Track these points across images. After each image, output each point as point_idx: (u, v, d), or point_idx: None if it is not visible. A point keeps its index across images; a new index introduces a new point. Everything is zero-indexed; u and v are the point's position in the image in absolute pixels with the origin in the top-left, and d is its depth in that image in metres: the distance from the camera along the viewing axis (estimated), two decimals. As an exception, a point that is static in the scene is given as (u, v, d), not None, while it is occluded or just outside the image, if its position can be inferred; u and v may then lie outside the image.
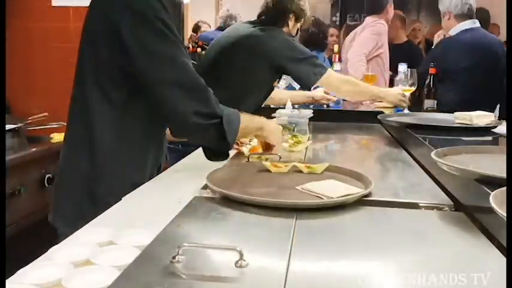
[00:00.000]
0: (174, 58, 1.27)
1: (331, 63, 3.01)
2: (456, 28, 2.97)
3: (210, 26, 4.76)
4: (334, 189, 1.09)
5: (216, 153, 1.41)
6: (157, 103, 1.31)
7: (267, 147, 1.51)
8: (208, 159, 1.42)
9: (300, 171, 1.28)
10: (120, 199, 1.20)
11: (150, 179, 1.41)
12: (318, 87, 2.64)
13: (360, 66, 3.55)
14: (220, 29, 3.93)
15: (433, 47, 3.26)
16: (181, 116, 1.29)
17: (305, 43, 3.67)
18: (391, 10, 3.66)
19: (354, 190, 1.09)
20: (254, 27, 2.33)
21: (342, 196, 1.05)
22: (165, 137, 1.52)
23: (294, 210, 1.01)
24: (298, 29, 2.43)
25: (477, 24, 2.96)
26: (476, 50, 2.87)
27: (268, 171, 1.29)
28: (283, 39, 2.30)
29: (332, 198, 1.04)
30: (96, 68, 1.32)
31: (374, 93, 2.57)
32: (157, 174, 1.47)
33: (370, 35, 3.59)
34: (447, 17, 2.97)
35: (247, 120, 1.42)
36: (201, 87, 1.31)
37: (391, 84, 3.57)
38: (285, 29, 2.36)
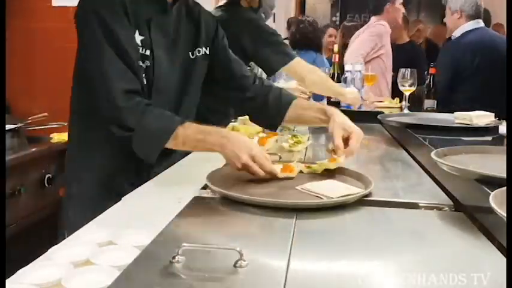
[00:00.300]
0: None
1: (331, 64, 3.00)
2: (461, 29, 2.96)
3: None
4: (334, 189, 1.09)
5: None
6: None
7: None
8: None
9: (300, 171, 1.28)
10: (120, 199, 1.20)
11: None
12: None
13: None
14: None
15: (440, 52, 3.24)
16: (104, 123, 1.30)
17: (298, 44, 3.66)
18: (393, 9, 3.60)
19: (354, 190, 1.09)
20: (217, 9, 2.23)
21: (342, 196, 1.05)
22: None
23: (294, 210, 1.01)
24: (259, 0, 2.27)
25: (481, 24, 2.96)
26: (483, 49, 2.87)
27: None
28: (248, 18, 2.16)
29: (332, 198, 1.04)
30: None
31: (335, 91, 2.47)
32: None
33: (369, 36, 3.56)
34: (457, 16, 2.95)
35: (188, 135, 1.26)
36: (113, 99, 1.25)
37: (395, 85, 3.56)
38: (244, 3, 2.23)
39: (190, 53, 1.48)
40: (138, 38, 1.33)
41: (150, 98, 1.34)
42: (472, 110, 2.04)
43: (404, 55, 3.84)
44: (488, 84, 2.80)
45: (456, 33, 3.00)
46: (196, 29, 1.50)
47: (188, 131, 1.25)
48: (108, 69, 1.26)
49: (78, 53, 1.37)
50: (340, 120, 1.36)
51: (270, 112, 1.53)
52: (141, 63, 1.33)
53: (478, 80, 2.81)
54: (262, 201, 1.03)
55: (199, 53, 1.50)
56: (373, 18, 3.64)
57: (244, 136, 1.31)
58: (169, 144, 1.25)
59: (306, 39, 3.65)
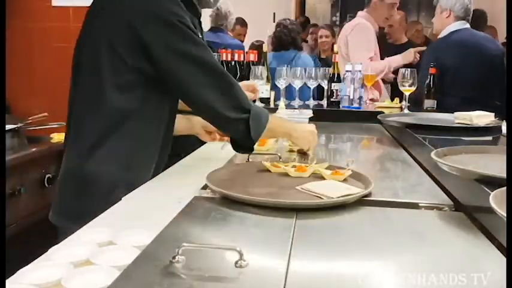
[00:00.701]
0: (202, 58, 1.31)
1: (330, 64, 3.00)
2: (446, 30, 2.97)
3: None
4: (334, 189, 1.09)
5: (241, 146, 1.43)
6: (189, 102, 1.37)
7: (301, 153, 1.56)
8: (234, 150, 1.45)
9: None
10: (120, 198, 1.20)
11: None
12: None
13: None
14: (213, 29, 3.90)
15: (424, 51, 3.25)
16: (213, 112, 1.34)
17: (276, 46, 3.80)
18: (380, 6, 3.53)
19: (354, 190, 1.09)
20: None
21: (342, 196, 1.05)
22: (171, 140, 1.51)
23: (294, 210, 1.01)
24: None
25: (467, 25, 2.97)
26: (467, 49, 2.87)
27: (268, 171, 1.29)
28: None
29: (332, 198, 1.04)
30: (116, 73, 1.31)
31: None
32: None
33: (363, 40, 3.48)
34: (446, 15, 2.96)
35: (276, 122, 1.46)
36: (229, 84, 1.35)
37: (395, 86, 3.56)
38: None
39: None
40: None
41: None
42: (458, 109, 2.05)
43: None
44: (474, 85, 2.80)
45: (442, 33, 3.00)
46: None
47: (273, 119, 1.44)
48: (213, 59, 1.35)
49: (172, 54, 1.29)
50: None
51: None
52: None
53: (464, 81, 2.82)
54: (262, 201, 1.03)
55: None
56: (359, 13, 3.60)
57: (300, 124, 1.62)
58: (266, 127, 1.38)
59: (281, 41, 3.83)
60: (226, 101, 1.33)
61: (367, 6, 3.52)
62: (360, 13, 3.57)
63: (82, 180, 1.35)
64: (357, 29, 3.42)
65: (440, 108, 2.66)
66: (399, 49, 3.71)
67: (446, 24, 2.98)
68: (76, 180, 1.36)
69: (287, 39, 3.75)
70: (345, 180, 1.20)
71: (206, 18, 4.36)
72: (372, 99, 3.11)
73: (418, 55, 3.31)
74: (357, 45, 3.35)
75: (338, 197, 1.05)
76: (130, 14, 1.27)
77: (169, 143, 1.51)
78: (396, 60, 3.34)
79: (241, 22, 5.01)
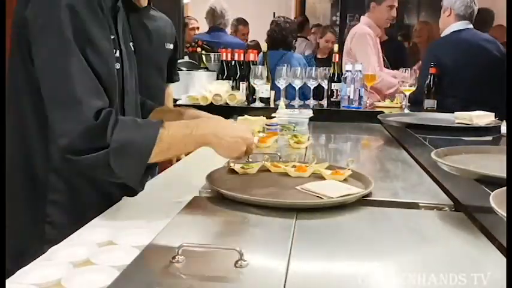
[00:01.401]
0: (63, 69, 1.02)
1: (331, 64, 3.00)
2: (448, 29, 2.97)
3: (197, 21, 4.68)
4: (334, 189, 1.09)
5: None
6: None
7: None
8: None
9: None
10: None
11: None
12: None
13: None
14: (213, 30, 3.90)
15: (427, 50, 3.25)
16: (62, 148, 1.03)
17: (268, 45, 3.80)
18: (379, 9, 3.52)
19: (354, 190, 1.09)
20: None
21: (342, 196, 1.05)
22: None
23: (294, 210, 1.01)
24: None
25: (469, 25, 2.97)
26: (463, 50, 2.87)
27: (268, 170, 1.29)
28: None
29: (332, 198, 1.04)
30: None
31: None
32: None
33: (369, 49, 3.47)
34: (447, 13, 2.96)
35: (175, 136, 1.08)
36: (83, 120, 1.00)
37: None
38: None
39: (130, 46, 1.29)
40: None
41: (123, 102, 1.18)
42: (458, 109, 2.05)
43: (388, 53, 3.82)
44: (475, 85, 2.80)
45: (444, 32, 3.00)
46: (126, 22, 1.31)
47: (172, 130, 1.07)
48: (76, 81, 1.02)
49: (33, 51, 1.06)
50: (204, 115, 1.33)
51: None
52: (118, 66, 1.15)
53: (464, 81, 2.82)
54: (262, 201, 1.03)
55: (132, 47, 1.31)
56: (362, 18, 3.60)
57: (225, 119, 1.20)
58: (154, 153, 1.03)
59: (273, 40, 3.78)
60: (70, 132, 1.00)
61: (367, 10, 3.52)
62: (362, 18, 3.57)
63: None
64: (356, 37, 3.42)
65: (440, 108, 2.66)
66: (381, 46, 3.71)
67: (447, 23, 2.97)
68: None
69: (277, 37, 3.73)
70: (345, 180, 1.20)
71: (202, 20, 4.38)
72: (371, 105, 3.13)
73: None
74: (362, 53, 3.34)
75: (338, 197, 1.05)
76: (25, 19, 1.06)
77: None
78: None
79: (244, 22, 5.01)
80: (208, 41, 3.58)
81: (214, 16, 3.90)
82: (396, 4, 3.49)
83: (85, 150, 1.00)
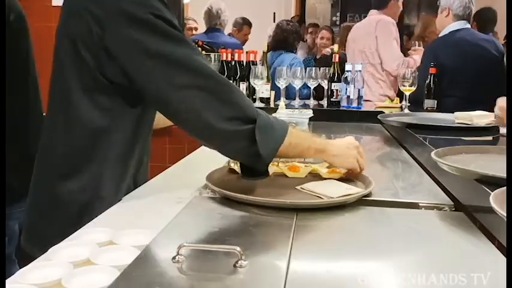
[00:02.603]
0: (185, 58, 1.05)
1: (330, 64, 3.00)
2: (446, 29, 2.97)
3: (196, 21, 4.68)
4: (334, 189, 1.09)
5: (251, 170, 1.12)
6: (171, 113, 1.10)
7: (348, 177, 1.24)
8: (245, 177, 1.15)
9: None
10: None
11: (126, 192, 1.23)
12: None
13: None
14: (210, 30, 3.90)
15: (425, 51, 3.27)
16: (205, 124, 1.05)
17: (272, 47, 3.79)
18: (395, 6, 3.58)
19: (354, 190, 1.09)
20: None
21: (342, 196, 1.05)
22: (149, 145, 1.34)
23: (294, 210, 1.01)
24: None
25: (467, 25, 2.97)
26: (462, 50, 2.87)
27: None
28: None
29: (332, 198, 1.04)
30: (82, 77, 1.10)
31: None
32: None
33: (393, 38, 3.51)
34: (445, 13, 2.97)
35: (300, 136, 1.15)
36: (225, 87, 1.08)
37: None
38: None
39: None
40: None
41: None
42: (458, 109, 2.05)
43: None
44: (474, 84, 2.81)
45: (442, 32, 3.01)
46: None
47: (299, 132, 1.18)
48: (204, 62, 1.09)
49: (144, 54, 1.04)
50: None
51: None
52: None
53: (462, 81, 2.82)
54: (262, 201, 1.03)
55: None
56: (372, 12, 3.62)
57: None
58: (285, 142, 1.09)
59: (276, 42, 3.84)
60: (220, 109, 1.05)
61: (383, 7, 3.54)
62: (373, 11, 3.59)
63: (53, 207, 1.16)
64: (382, 23, 3.47)
65: (439, 108, 2.66)
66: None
67: (445, 23, 2.98)
68: (46, 206, 1.18)
69: (279, 39, 3.76)
70: (345, 180, 1.20)
71: (200, 20, 4.38)
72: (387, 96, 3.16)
73: None
74: (387, 39, 3.41)
75: (338, 197, 1.05)
76: (91, 10, 1.04)
77: (144, 162, 1.31)
78: (417, 59, 3.38)
79: (248, 22, 5.02)
80: (204, 42, 3.59)
81: (210, 16, 3.90)
82: None
83: (238, 119, 1.06)
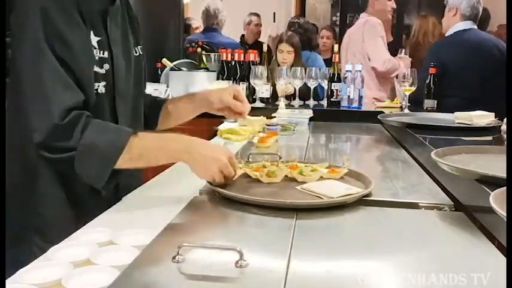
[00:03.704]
0: (35, 66, 1.07)
1: (327, 64, 3.01)
2: (452, 29, 2.97)
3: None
4: (334, 189, 1.09)
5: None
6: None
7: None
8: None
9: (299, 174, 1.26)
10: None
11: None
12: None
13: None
14: (207, 30, 3.90)
15: (430, 49, 3.26)
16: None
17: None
18: (379, 3, 3.56)
19: (354, 190, 1.09)
20: None
21: (342, 196, 1.05)
22: None
23: (294, 210, 1.00)
24: None
25: (474, 26, 2.97)
26: (467, 50, 2.87)
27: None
28: None
29: (332, 198, 1.04)
30: None
31: None
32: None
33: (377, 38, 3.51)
34: (453, 13, 2.96)
35: (147, 146, 1.11)
36: (50, 117, 1.04)
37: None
38: None
39: (134, 49, 1.33)
40: (94, 39, 1.15)
41: (114, 106, 1.21)
42: (459, 109, 2.06)
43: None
44: (479, 85, 2.81)
45: (448, 32, 3.00)
46: (132, 24, 1.35)
47: (144, 141, 1.10)
48: (47, 81, 1.06)
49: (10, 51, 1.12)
50: (218, 95, 1.39)
51: (149, 119, 1.41)
52: (98, 69, 1.15)
53: (467, 80, 2.83)
54: (262, 201, 1.03)
55: (140, 51, 1.36)
56: (362, 15, 3.63)
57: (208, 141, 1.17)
58: (123, 160, 1.06)
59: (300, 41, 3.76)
60: (38, 132, 1.05)
61: (366, 7, 3.55)
62: (362, 15, 3.60)
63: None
64: (369, 24, 3.46)
65: (440, 109, 2.66)
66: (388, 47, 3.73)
67: (452, 22, 2.97)
68: None
69: (302, 39, 3.70)
70: (345, 180, 1.20)
71: (198, 20, 4.38)
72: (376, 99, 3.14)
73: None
74: (372, 38, 3.40)
75: (338, 197, 1.05)
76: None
77: None
78: (402, 66, 3.37)
79: (254, 14, 5.04)
80: (204, 41, 3.59)
81: (207, 16, 3.91)
82: None
83: (55, 149, 1.05)
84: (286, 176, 1.22)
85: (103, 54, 1.17)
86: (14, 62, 1.10)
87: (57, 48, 1.07)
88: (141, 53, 1.37)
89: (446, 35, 3.02)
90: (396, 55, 3.51)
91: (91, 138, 1.06)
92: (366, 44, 3.39)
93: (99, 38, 1.17)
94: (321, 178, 1.21)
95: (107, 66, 1.18)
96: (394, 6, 3.70)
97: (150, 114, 1.42)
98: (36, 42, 1.06)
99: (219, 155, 1.11)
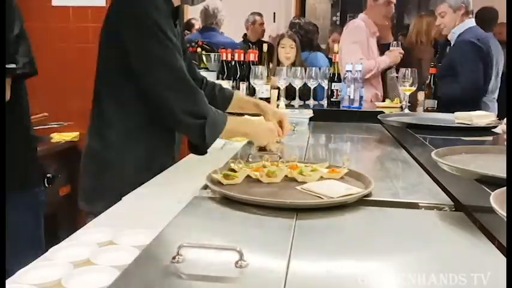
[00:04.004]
0: (164, 60, 1.37)
1: (331, 64, 3.01)
2: (461, 26, 2.95)
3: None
4: (334, 189, 1.09)
5: (196, 148, 1.49)
6: (154, 103, 1.42)
7: (262, 149, 1.58)
8: (190, 151, 1.52)
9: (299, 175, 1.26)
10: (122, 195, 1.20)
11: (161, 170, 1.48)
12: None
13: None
14: (205, 29, 3.89)
15: (448, 49, 3.22)
16: (173, 115, 1.40)
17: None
18: (375, 5, 3.54)
19: (354, 190, 1.09)
20: None
21: (342, 196, 1.05)
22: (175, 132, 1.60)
23: (294, 210, 1.00)
24: None
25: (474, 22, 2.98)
26: (481, 48, 2.87)
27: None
28: None
29: (332, 198, 1.04)
30: (109, 69, 1.45)
31: None
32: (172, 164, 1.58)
33: (350, 44, 3.45)
34: (462, 11, 2.94)
35: (234, 125, 1.51)
36: (189, 88, 1.41)
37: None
38: None
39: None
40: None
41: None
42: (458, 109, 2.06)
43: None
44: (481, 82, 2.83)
45: (457, 30, 2.97)
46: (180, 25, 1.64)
47: (232, 121, 1.48)
48: (174, 60, 1.39)
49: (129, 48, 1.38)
50: (272, 111, 1.75)
51: (217, 105, 1.62)
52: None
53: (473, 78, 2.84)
54: (262, 201, 1.03)
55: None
56: (361, 15, 3.62)
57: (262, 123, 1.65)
58: (222, 132, 1.44)
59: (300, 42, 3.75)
60: (185, 105, 1.39)
61: (364, 8, 3.55)
62: (360, 15, 3.60)
63: (103, 167, 1.48)
64: (348, 30, 3.45)
65: (440, 109, 2.66)
66: (386, 48, 3.72)
67: (461, 20, 2.95)
68: (97, 166, 1.50)
69: (303, 40, 3.71)
70: (345, 180, 1.20)
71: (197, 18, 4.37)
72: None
73: (401, 55, 3.37)
74: (347, 46, 3.38)
75: (338, 197, 1.05)
76: (116, 14, 1.42)
77: (169, 139, 1.59)
78: (383, 60, 3.36)
79: (257, 13, 5.03)
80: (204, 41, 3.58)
81: (206, 15, 3.90)
82: (394, 1, 3.51)
83: (192, 113, 1.39)
84: (286, 176, 1.22)
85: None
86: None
87: (170, 38, 1.38)
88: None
89: (459, 32, 2.96)
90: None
91: (214, 114, 1.43)
92: (341, 49, 3.35)
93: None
94: (321, 178, 1.21)
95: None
96: (393, 11, 3.67)
97: (220, 103, 1.72)
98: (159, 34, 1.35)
99: (270, 126, 1.61)
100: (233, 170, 1.26)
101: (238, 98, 1.81)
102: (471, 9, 2.95)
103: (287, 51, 3.25)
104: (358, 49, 3.32)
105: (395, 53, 3.36)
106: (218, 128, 1.43)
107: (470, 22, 2.96)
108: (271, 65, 3.17)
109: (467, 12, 2.94)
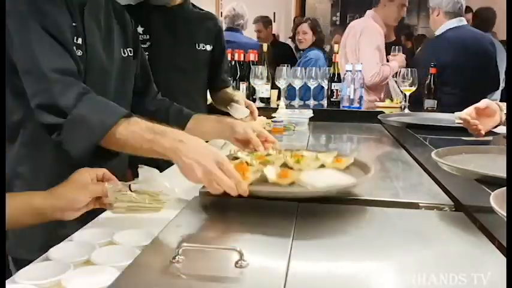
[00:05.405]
0: (27, 42, 1.11)
1: (331, 64, 3.01)
2: (442, 27, 2.98)
3: None
4: (324, 180, 1.08)
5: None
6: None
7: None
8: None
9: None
10: None
11: None
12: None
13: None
14: (229, 30, 3.90)
15: (417, 50, 3.27)
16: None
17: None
18: (389, 5, 3.50)
19: (344, 182, 1.08)
20: None
21: (327, 187, 1.04)
22: None
23: (294, 210, 1.00)
24: None
25: (463, 22, 2.98)
26: (462, 47, 2.88)
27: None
28: None
29: (316, 188, 1.03)
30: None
31: None
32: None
33: (373, 50, 3.36)
34: (436, 13, 3.00)
35: (134, 131, 1.06)
36: (43, 76, 1.09)
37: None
38: None
39: (122, 50, 1.37)
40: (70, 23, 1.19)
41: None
42: (457, 108, 2.06)
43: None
44: (473, 83, 2.81)
45: (438, 31, 3.02)
46: (122, 26, 1.40)
47: (134, 127, 1.05)
48: (36, 47, 1.10)
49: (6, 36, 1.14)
50: (244, 125, 1.37)
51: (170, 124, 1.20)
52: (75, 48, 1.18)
53: (461, 78, 2.83)
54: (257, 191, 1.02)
55: (130, 53, 1.40)
56: (368, 12, 3.58)
57: (202, 141, 1.06)
58: (106, 141, 1.05)
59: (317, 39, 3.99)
60: (37, 95, 1.09)
61: (375, 5, 3.46)
62: (368, 12, 3.51)
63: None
64: (365, 34, 3.39)
65: (439, 107, 2.67)
66: (388, 46, 3.72)
67: (438, 22, 2.99)
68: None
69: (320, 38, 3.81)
70: (350, 170, 1.19)
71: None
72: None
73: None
74: (369, 50, 3.33)
75: (322, 187, 1.03)
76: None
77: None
78: (395, 66, 3.36)
79: (268, 21, 5.07)
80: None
81: (234, 17, 3.93)
82: (407, 4, 3.48)
83: (52, 109, 1.06)
84: (285, 164, 1.21)
85: (77, 40, 1.20)
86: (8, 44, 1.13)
87: (41, 21, 1.12)
88: (131, 55, 1.40)
89: (436, 33, 3.04)
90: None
91: (84, 110, 1.06)
92: (361, 52, 3.33)
93: (75, 24, 1.20)
94: (322, 166, 1.20)
95: (80, 52, 1.21)
96: (404, 15, 3.64)
97: (175, 124, 1.21)
98: (24, 21, 1.11)
99: (205, 159, 0.99)
100: (236, 158, 1.25)
101: (195, 118, 1.46)
102: (447, 11, 2.95)
103: (300, 36, 3.40)
104: (377, 54, 3.31)
105: (401, 58, 3.35)
106: (85, 134, 1.06)
107: (448, 24, 2.97)
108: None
109: (444, 13, 2.96)
